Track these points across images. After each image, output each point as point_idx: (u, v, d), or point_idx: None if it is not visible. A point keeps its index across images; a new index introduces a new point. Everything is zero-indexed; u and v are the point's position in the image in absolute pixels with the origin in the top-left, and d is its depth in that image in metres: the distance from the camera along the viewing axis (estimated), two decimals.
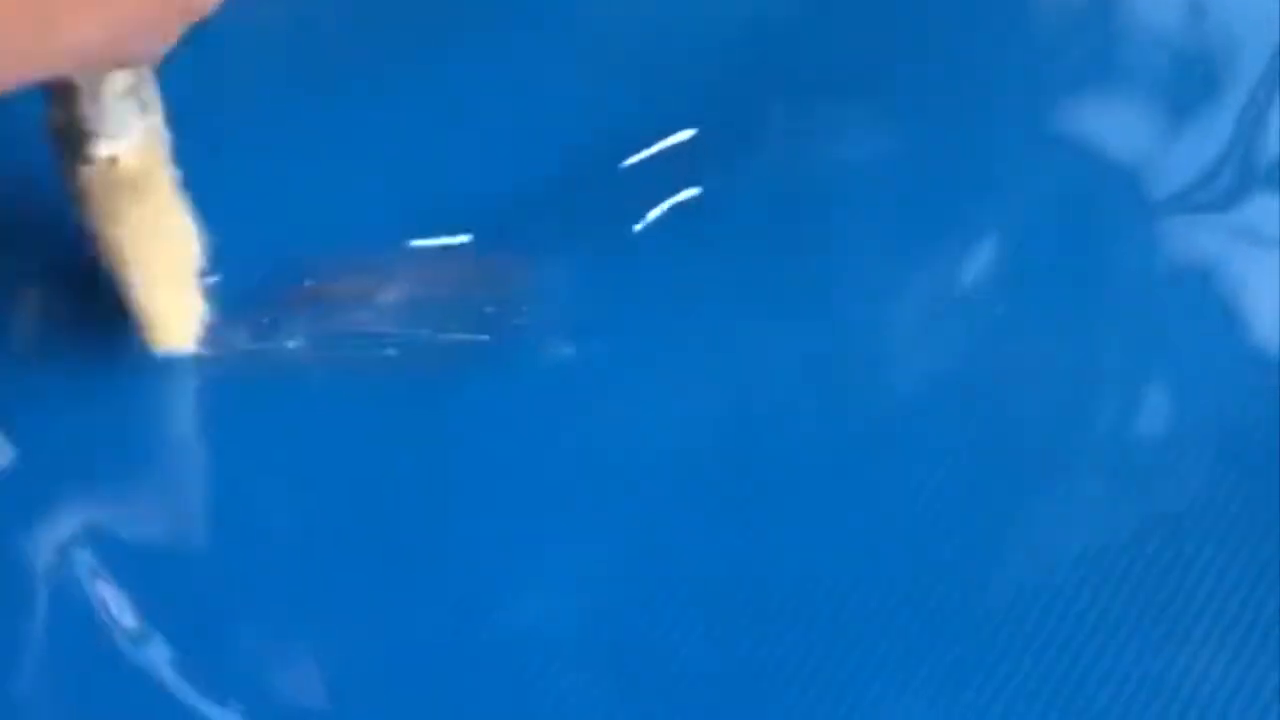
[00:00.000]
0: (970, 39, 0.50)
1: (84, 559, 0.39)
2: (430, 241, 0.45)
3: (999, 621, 0.39)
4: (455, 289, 0.44)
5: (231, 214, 0.41)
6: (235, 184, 0.43)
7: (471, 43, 0.48)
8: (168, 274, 0.41)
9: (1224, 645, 0.39)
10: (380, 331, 0.43)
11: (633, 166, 0.46)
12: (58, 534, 0.40)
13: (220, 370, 0.42)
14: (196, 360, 0.42)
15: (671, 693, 0.38)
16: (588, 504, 0.41)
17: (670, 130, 0.47)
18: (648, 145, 0.46)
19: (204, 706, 0.37)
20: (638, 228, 0.45)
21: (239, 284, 0.43)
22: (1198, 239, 0.46)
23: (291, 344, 0.43)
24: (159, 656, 0.38)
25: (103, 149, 0.38)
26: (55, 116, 0.38)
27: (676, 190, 0.46)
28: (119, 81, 0.37)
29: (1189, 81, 0.49)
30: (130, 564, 0.39)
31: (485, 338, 0.43)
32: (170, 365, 0.42)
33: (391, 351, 0.43)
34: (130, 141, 0.38)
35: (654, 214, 0.45)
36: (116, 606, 0.38)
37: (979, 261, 0.46)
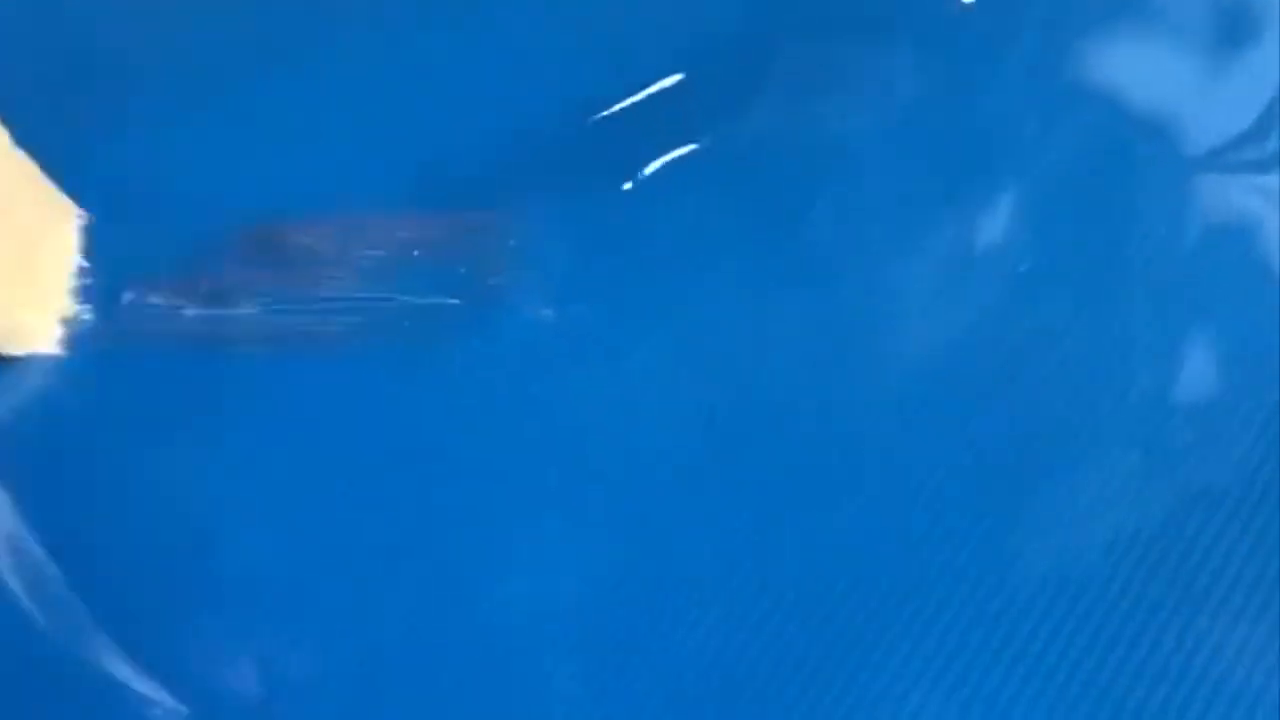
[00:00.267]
0: None
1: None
2: (398, 201, 0.44)
3: (1021, 609, 0.38)
4: (425, 249, 0.43)
5: (198, 176, 0.42)
6: (206, 146, 0.44)
7: None
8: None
9: (1277, 633, 0.38)
10: (342, 296, 0.42)
11: (621, 117, 0.45)
12: None
13: (163, 346, 0.42)
14: (116, 339, 0.42)
15: (665, 680, 0.38)
16: (569, 479, 0.40)
17: (656, 76, 0.45)
18: (633, 93, 0.45)
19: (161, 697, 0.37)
20: (628, 185, 0.44)
21: (195, 243, 0.43)
22: (1237, 197, 0.45)
23: (246, 311, 0.42)
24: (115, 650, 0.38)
25: None
26: None
27: (671, 146, 0.45)
28: None
29: (1230, 23, 0.47)
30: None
31: (456, 301, 0.42)
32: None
33: (355, 318, 0.42)
34: None
35: (648, 170, 0.44)
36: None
37: (998, 218, 0.44)
